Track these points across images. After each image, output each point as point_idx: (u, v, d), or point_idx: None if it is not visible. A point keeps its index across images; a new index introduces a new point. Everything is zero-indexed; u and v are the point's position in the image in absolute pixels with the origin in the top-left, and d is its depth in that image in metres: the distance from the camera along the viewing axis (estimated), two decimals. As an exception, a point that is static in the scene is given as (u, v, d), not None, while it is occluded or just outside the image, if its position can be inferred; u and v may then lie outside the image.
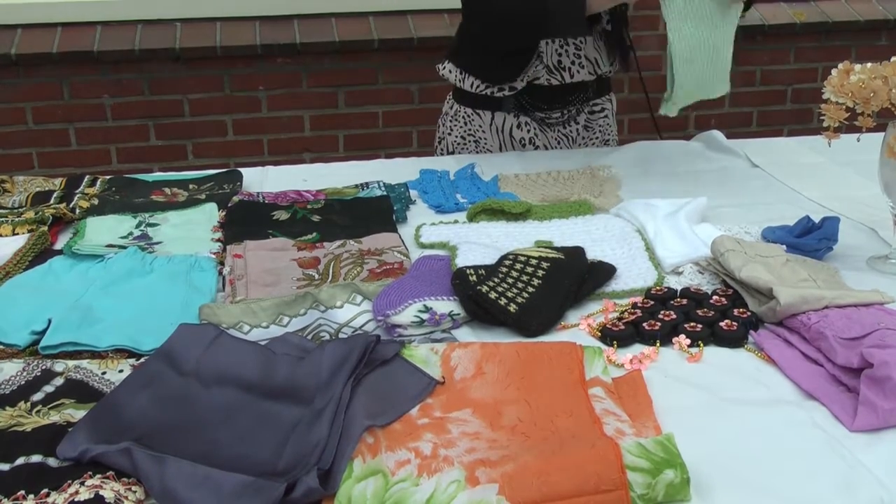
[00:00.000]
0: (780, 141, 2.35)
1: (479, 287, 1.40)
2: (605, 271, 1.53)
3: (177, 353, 1.23)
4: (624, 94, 2.24)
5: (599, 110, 2.33)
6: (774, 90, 4.18)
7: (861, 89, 1.48)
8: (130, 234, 1.70)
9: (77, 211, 1.80)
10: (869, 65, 1.51)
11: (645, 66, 2.31)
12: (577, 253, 1.55)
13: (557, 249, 1.55)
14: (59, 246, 1.67)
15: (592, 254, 1.58)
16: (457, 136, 2.30)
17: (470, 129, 2.26)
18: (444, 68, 2.25)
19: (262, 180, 2.01)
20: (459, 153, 2.29)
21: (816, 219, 1.68)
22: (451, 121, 2.31)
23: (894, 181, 1.54)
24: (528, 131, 2.25)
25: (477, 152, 2.27)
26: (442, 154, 2.33)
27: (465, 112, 2.26)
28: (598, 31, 2.17)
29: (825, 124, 1.53)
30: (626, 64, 2.26)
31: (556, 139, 2.27)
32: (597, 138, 2.34)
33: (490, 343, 1.31)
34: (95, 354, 1.29)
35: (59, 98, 3.63)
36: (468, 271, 1.44)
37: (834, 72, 1.54)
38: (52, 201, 1.84)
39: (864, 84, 1.47)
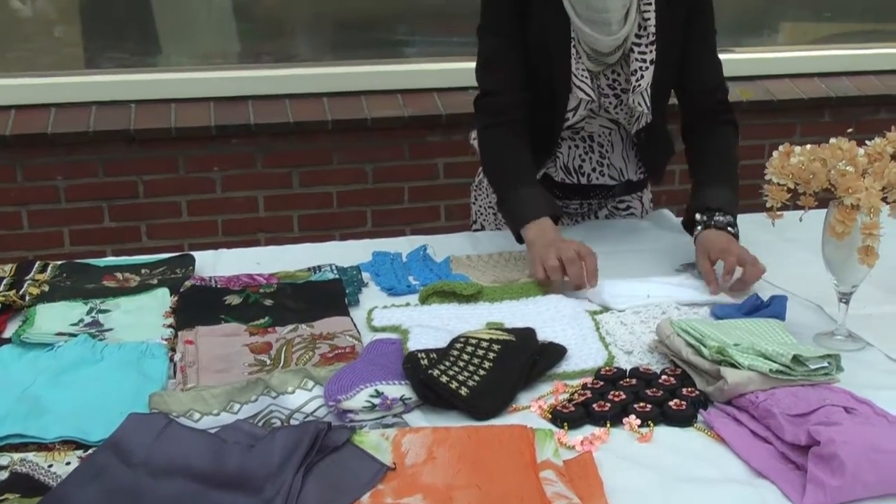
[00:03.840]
0: (728, 218, 2.39)
1: (430, 371, 1.41)
2: (555, 352, 1.54)
3: (125, 443, 1.22)
4: (664, 161, 2.30)
5: (624, 208, 2.34)
6: (723, 166, 4.24)
7: (801, 171, 1.52)
8: (81, 320, 1.69)
9: (27, 298, 1.78)
10: (808, 147, 1.55)
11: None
12: (527, 334, 1.57)
13: (508, 331, 1.57)
14: (8, 334, 1.65)
15: (543, 335, 1.59)
16: (481, 206, 2.35)
17: (492, 202, 2.27)
18: (473, 138, 2.27)
19: (215, 264, 2.01)
20: (483, 222, 2.35)
21: (765, 296, 1.71)
22: (476, 189, 2.37)
23: (837, 259, 1.58)
24: None
25: (497, 227, 2.29)
26: (474, 221, 2.40)
27: (488, 183, 2.25)
28: (632, 139, 2.16)
29: (768, 205, 1.57)
30: (657, 177, 2.28)
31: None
32: None
33: (441, 427, 1.31)
34: (42, 446, 1.28)
35: (11, 181, 3.61)
36: (419, 355, 1.45)
37: (775, 153, 1.58)
38: (1, 288, 1.82)
39: (804, 166, 1.51)
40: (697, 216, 1.94)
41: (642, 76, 2.00)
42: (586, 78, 2.00)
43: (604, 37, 1.94)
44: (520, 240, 1.93)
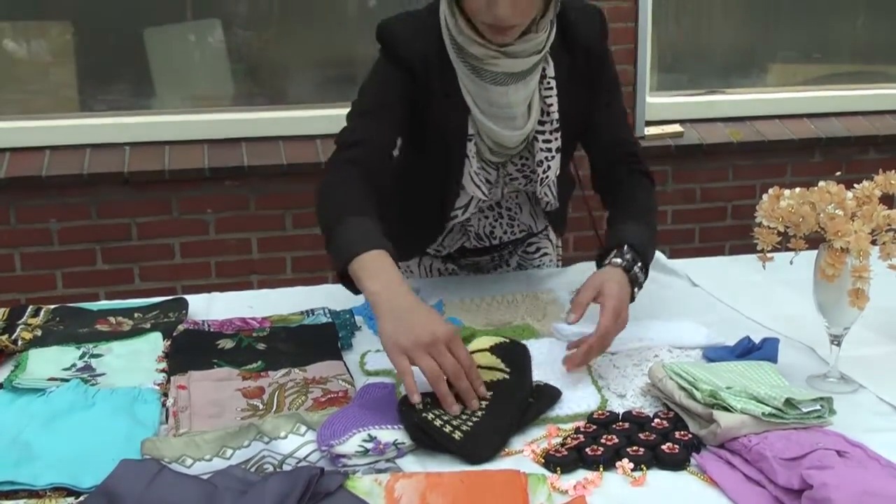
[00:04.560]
0: (720, 260, 2.40)
1: (424, 414, 1.41)
2: (549, 396, 1.54)
3: (117, 490, 1.21)
4: (567, 213, 2.27)
5: (534, 251, 2.28)
6: (715, 207, 4.27)
7: (791, 214, 1.53)
8: (73, 365, 1.69)
9: (19, 342, 1.78)
10: (798, 190, 1.56)
11: (588, 183, 2.32)
12: (522, 366, 1.56)
13: (503, 359, 1.57)
14: (-1, 379, 1.65)
15: (536, 378, 1.59)
16: None
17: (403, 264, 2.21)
18: None
19: (208, 307, 2.01)
20: None
21: (757, 339, 1.71)
22: None
23: (828, 301, 1.59)
24: (455, 273, 2.23)
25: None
26: None
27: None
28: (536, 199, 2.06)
29: (758, 248, 1.58)
30: (561, 229, 2.25)
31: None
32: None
33: (434, 473, 1.30)
34: (33, 494, 1.27)
35: (5, 223, 3.61)
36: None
37: (765, 197, 1.59)
38: (-7, 333, 1.83)
39: (794, 209, 1.52)
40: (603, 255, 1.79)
41: (549, 167, 1.91)
42: (482, 175, 1.91)
43: (509, 132, 1.85)
44: (346, 282, 1.61)
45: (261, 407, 1.53)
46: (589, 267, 2.23)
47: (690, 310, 1.98)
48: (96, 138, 3.71)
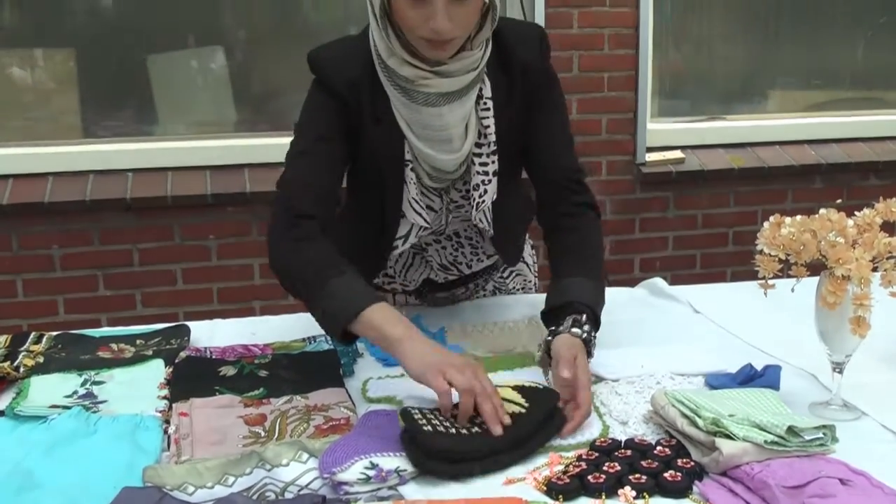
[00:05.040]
0: (722, 287, 2.41)
1: (426, 428, 1.42)
2: (554, 426, 1.53)
3: (119, 518, 1.21)
4: (522, 241, 2.24)
5: (508, 274, 2.23)
6: (716, 233, 4.28)
7: (792, 242, 1.53)
8: (75, 392, 1.69)
9: (22, 369, 1.78)
10: (798, 218, 1.57)
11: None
12: (543, 405, 1.56)
13: (526, 397, 1.57)
14: (1, 406, 1.65)
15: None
16: None
17: None
18: None
19: (210, 334, 2.01)
20: None
21: (759, 365, 1.71)
22: None
23: (829, 329, 1.58)
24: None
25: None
26: None
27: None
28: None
29: (759, 275, 1.58)
30: (512, 259, 2.15)
31: None
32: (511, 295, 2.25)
33: (436, 500, 1.30)
34: (35, 521, 1.27)
35: (7, 250, 3.62)
36: (412, 411, 1.47)
37: (766, 224, 1.59)
38: (-5, 360, 1.83)
39: (795, 237, 1.53)
40: (551, 322, 1.75)
41: (485, 190, 1.84)
42: (423, 201, 1.86)
43: (446, 156, 1.78)
44: (346, 340, 1.66)
45: (263, 434, 1.53)
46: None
47: (692, 336, 1.98)
48: (99, 165, 3.72)
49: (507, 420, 1.49)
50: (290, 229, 1.73)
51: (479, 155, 1.82)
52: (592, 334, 1.71)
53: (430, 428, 1.42)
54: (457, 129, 1.77)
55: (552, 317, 1.75)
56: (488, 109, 1.80)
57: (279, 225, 1.76)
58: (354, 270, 1.68)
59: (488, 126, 1.80)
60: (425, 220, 1.87)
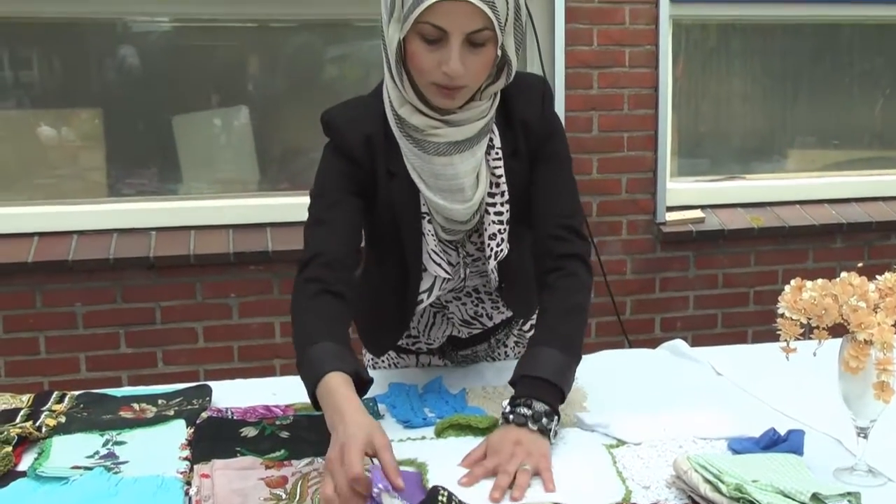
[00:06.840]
0: (743, 348, 2.40)
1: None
2: None
3: (140, 582, 1.21)
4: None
5: (529, 329, 2.23)
6: (737, 293, 4.27)
7: (813, 306, 1.53)
8: (97, 452, 1.69)
9: (43, 429, 1.78)
10: (820, 281, 1.57)
11: (610, 269, 2.33)
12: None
13: None
14: (23, 467, 1.65)
15: (558, 469, 1.58)
16: None
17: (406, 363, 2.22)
18: None
19: (231, 394, 2.02)
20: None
21: (782, 430, 1.70)
22: None
23: (853, 394, 1.58)
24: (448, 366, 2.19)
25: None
26: None
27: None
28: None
29: (781, 338, 1.58)
30: (526, 314, 2.16)
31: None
32: None
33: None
34: (56, 585, 1.27)
35: (30, 306, 3.65)
36: (441, 491, 1.45)
37: (787, 288, 1.59)
38: (17, 420, 1.83)
39: (816, 301, 1.52)
40: (506, 406, 1.71)
41: (503, 239, 1.85)
42: (442, 255, 1.86)
43: (458, 205, 1.79)
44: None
45: (284, 496, 1.53)
46: (611, 354, 2.24)
47: (714, 399, 1.97)
48: (123, 223, 3.76)
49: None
50: (308, 300, 1.73)
51: (493, 204, 1.83)
52: (554, 421, 1.69)
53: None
54: (468, 178, 1.77)
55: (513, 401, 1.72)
56: (500, 159, 1.81)
57: (295, 282, 1.77)
58: (340, 338, 1.66)
59: (500, 175, 1.81)
60: (446, 272, 1.87)
